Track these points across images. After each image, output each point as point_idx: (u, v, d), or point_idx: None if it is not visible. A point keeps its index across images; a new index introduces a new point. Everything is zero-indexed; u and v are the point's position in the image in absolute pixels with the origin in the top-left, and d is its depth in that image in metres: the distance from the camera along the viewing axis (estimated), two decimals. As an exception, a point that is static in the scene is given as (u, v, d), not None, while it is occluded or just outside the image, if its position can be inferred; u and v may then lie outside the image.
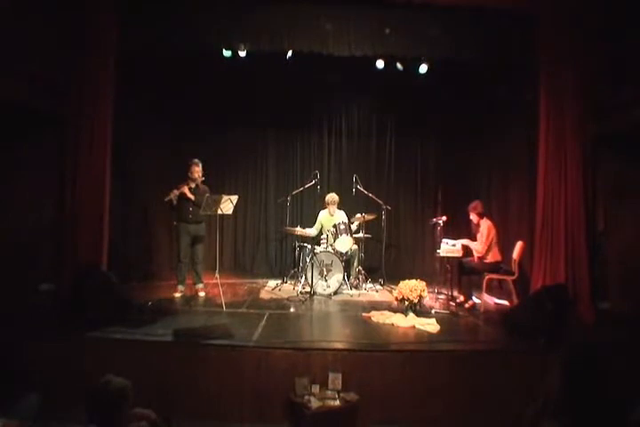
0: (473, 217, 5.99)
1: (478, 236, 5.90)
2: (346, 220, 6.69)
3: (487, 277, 5.67)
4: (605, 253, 5.43)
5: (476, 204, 6.01)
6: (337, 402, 3.76)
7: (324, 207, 7.16)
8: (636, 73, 4.90)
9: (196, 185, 5.93)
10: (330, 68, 7.21)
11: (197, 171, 5.92)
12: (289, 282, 6.75)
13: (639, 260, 5.07)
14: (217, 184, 7.23)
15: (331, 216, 6.91)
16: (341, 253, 6.49)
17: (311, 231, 6.99)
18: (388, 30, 5.57)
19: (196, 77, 7.30)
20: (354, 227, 6.83)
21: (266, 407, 3.91)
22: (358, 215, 6.77)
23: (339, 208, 6.97)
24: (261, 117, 8.01)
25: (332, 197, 6.91)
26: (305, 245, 6.59)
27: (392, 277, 6.78)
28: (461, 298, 5.91)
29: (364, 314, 5.26)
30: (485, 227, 5.77)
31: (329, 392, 3.83)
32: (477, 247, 5.83)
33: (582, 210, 5.32)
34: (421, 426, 3.83)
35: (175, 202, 5.82)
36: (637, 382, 1.83)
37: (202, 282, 6.11)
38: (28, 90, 4.85)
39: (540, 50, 5.47)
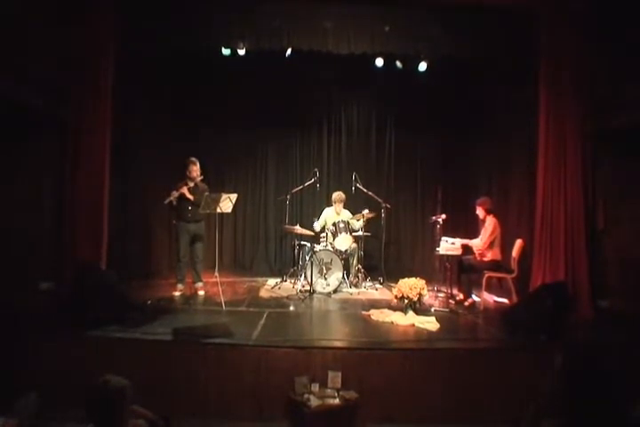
0: (480, 212, 5.90)
1: (482, 231, 5.89)
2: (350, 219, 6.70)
3: (487, 276, 5.66)
4: (605, 251, 5.44)
5: (485, 199, 5.99)
6: (336, 401, 3.77)
7: (328, 205, 7.16)
8: (636, 73, 4.90)
9: (195, 184, 5.91)
10: (329, 67, 7.20)
11: (195, 169, 5.91)
12: (288, 280, 6.74)
13: (638, 259, 5.08)
14: (216, 183, 7.24)
15: (337, 215, 6.91)
16: (341, 252, 6.49)
17: (314, 227, 6.95)
18: (387, 28, 5.58)
19: (196, 77, 7.29)
20: (359, 224, 6.80)
21: (265, 406, 3.92)
22: (366, 211, 6.69)
23: (343, 207, 6.97)
24: (261, 116, 7.98)
25: (340, 195, 6.91)
26: (304, 243, 6.58)
27: (391, 276, 6.79)
28: (461, 296, 5.91)
29: (363, 312, 5.27)
30: (491, 223, 5.75)
31: (328, 391, 3.82)
32: (478, 243, 5.82)
33: (582, 209, 5.33)
34: (421, 424, 3.83)
35: (175, 202, 5.82)
36: (637, 382, 1.83)
37: (201, 281, 6.11)
38: (28, 90, 4.84)
39: (540, 49, 5.46)
